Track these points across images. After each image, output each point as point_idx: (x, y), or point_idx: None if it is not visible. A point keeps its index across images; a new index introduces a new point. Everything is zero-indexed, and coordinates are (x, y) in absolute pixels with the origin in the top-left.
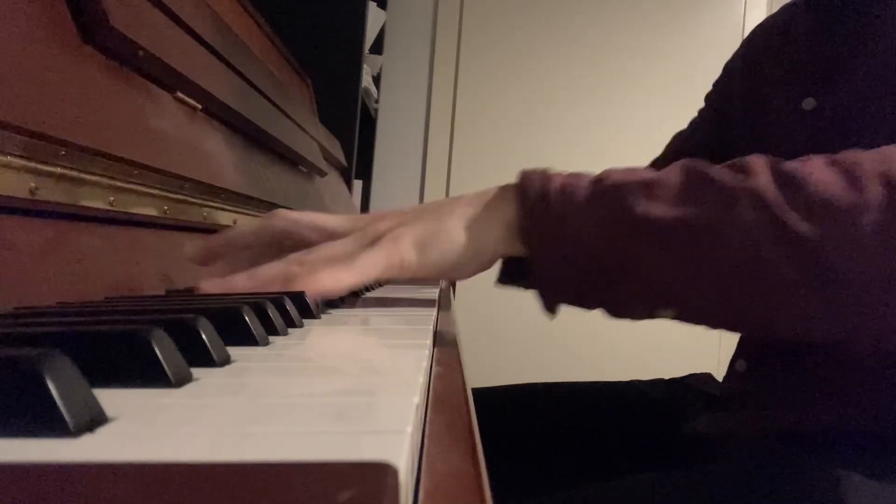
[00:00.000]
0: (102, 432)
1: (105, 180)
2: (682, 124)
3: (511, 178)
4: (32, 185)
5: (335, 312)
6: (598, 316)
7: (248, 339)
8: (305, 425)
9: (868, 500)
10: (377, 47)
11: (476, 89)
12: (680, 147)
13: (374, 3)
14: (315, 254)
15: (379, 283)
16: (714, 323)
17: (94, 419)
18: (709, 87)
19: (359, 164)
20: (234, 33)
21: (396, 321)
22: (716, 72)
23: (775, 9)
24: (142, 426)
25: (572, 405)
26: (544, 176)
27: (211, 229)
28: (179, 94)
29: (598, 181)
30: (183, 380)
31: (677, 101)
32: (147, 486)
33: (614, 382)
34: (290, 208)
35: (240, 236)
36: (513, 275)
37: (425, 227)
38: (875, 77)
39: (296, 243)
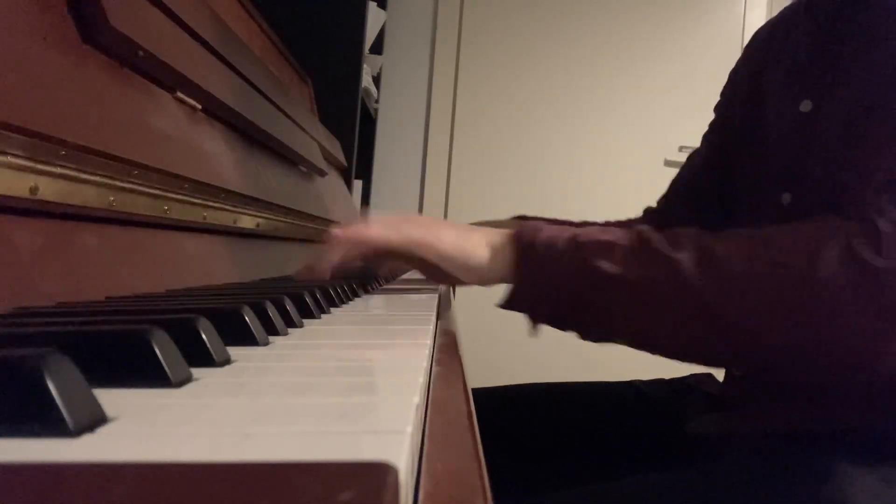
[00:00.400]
0: (102, 432)
1: (105, 180)
2: (682, 123)
3: (509, 178)
4: (32, 185)
5: (335, 312)
6: None
7: (248, 339)
8: (305, 425)
9: (867, 499)
10: (377, 47)
11: (476, 89)
12: (692, 161)
13: (374, 3)
14: (372, 237)
15: (379, 284)
16: (647, 350)
17: (95, 419)
18: (709, 87)
19: (359, 164)
20: (234, 33)
21: (396, 321)
22: (716, 72)
23: (775, 9)
24: (142, 426)
25: (572, 405)
26: (536, 229)
27: (211, 229)
28: (179, 94)
29: (573, 238)
30: (183, 380)
31: (677, 101)
32: (147, 486)
33: (614, 382)
34: (290, 208)
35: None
36: (510, 301)
37: (460, 234)
38: (872, 81)
39: None
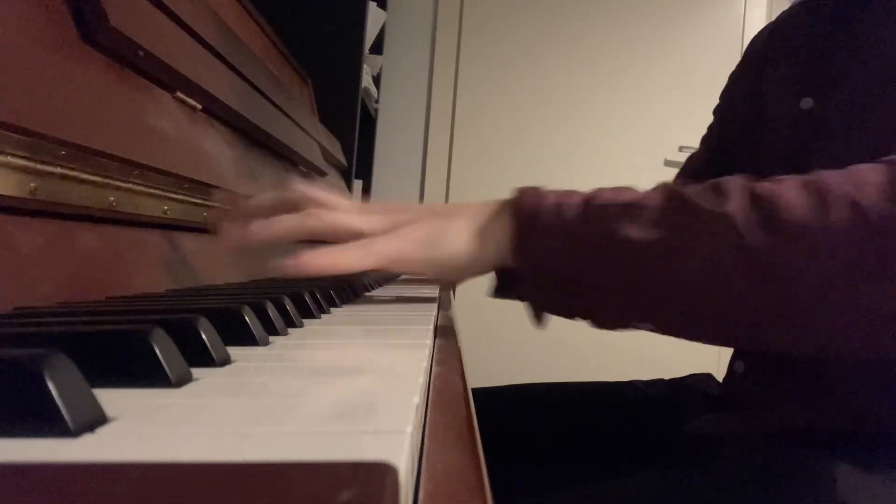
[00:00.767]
0: (102, 432)
1: (105, 180)
2: (682, 123)
3: (509, 178)
4: (32, 185)
5: (335, 312)
6: None
7: (248, 339)
8: (305, 425)
9: (867, 499)
10: (377, 47)
11: (476, 89)
12: (691, 163)
13: (374, 3)
14: (331, 217)
15: (379, 283)
16: (685, 336)
17: (95, 419)
18: (709, 87)
19: (359, 164)
20: (234, 33)
21: (396, 321)
22: (716, 72)
23: (775, 9)
24: (142, 426)
25: (572, 405)
26: (537, 194)
27: (211, 229)
28: (179, 94)
29: (588, 201)
30: (183, 380)
31: (677, 101)
32: (147, 486)
33: (614, 382)
34: None
35: (263, 204)
36: (505, 287)
37: (435, 227)
38: (872, 78)
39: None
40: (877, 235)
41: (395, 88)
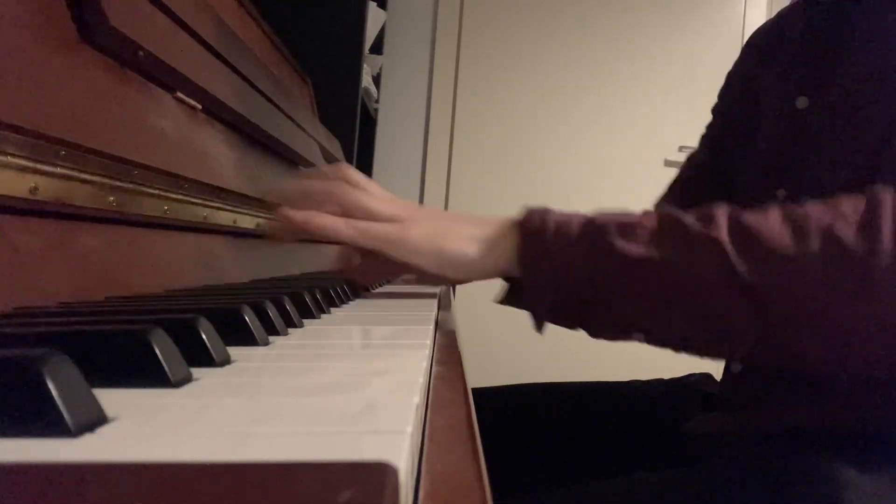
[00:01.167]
0: (102, 432)
1: (105, 180)
2: (682, 123)
3: (509, 178)
4: (32, 185)
5: (335, 312)
6: None
7: (248, 339)
8: (305, 425)
9: (867, 499)
10: (377, 47)
11: (476, 89)
12: (691, 163)
13: (374, 3)
14: (349, 197)
15: (379, 284)
16: (673, 347)
17: (95, 419)
18: (709, 87)
19: (359, 164)
20: (234, 33)
21: (396, 321)
22: (716, 72)
23: (775, 9)
24: (142, 426)
25: (572, 405)
26: (543, 214)
27: (211, 229)
28: (179, 94)
29: (590, 221)
30: (183, 380)
31: (677, 101)
32: (147, 486)
33: (614, 382)
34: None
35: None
36: (510, 296)
37: (443, 227)
38: (865, 79)
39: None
40: (852, 264)
41: (395, 88)
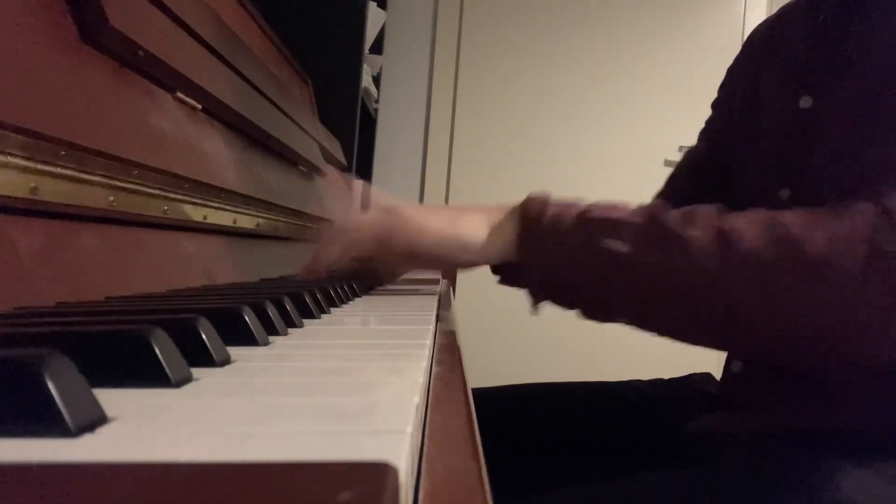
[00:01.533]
0: (102, 432)
1: (105, 180)
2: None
3: (509, 178)
4: (32, 185)
5: (335, 312)
6: None
7: (248, 339)
8: (306, 425)
9: (867, 499)
10: (377, 47)
11: (476, 89)
12: (689, 159)
13: (374, 3)
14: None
15: (379, 283)
16: (652, 330)
17: (95, 419)
18: (709, 87)
19: (359, 164)
20: (234, 33)
21: (396, 321)
22: (716, 72)
23: (775, 9)
24: (142, 426)
25: (572, 405)
26: (543, 203)
27: (211, 229)
28: (179, 94)
29: (582, 214)
30: (183, 380)
31: (677, 101)
32: (147, 486)
33: (614, 382)
34: (290, 208)
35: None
36: (510, 276)
37: (453, 214)
38: (871, 78)
39: None
40: (813, 273)
41: (395, 88)
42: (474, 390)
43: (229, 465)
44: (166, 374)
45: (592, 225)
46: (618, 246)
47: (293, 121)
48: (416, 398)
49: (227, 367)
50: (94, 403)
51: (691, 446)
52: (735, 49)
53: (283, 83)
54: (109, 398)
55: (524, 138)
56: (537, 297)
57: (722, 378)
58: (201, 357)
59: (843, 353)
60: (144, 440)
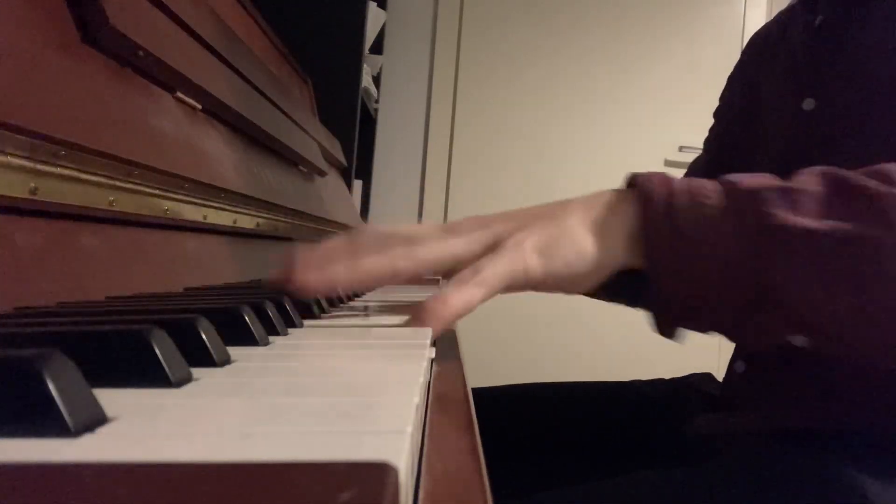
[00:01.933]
0: (102, 432)
1: (105, 180)
2: (682, 123)
3: (510, 178)
4: (32, 185)
5: (336, 312)
6: (597, 316)
7: (248, 339)
8: (305, 425)
9: (867, 498)
10: (377, 47)
11: (476, 89)
12: (694, 168)
13: (374, 3)
14: (422, 254)
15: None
16: (860, 351)
17: (95, 419)
18: (709, 87)
19: (359, 164)
20: (234, 33)
21: (397, 321)
22: (716, 71)
23: (775, 9)
24: (142, 426)
25: (572, 405)
26: (665, 179)
27: (211, 229)
28: (179, 94)
29: (729, 186)
30: (183, 380)
31: (677, 100)
32: (147, 486)
33: (614, 382)
34: (290, 208)
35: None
36: (619, 289)
37: (548, 233)
38: (873, 78)
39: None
40: None
41: (395, 88)
42: (474, 390)
43: (229, 464)
44: (166, 374)
45: (755, 198)
46: (803, 221)
47: (293, 121)
48: (416, 398)
49: (227, 367)
50: (94, 403)
51: (691, 446)
52: (735, 49)
53: (283, 83)
54: (109, 398)
55: (524, 138)
56: (673, 317)
57: (724, 378)
58: (201, 357)
59: None
60: (144, 440)
